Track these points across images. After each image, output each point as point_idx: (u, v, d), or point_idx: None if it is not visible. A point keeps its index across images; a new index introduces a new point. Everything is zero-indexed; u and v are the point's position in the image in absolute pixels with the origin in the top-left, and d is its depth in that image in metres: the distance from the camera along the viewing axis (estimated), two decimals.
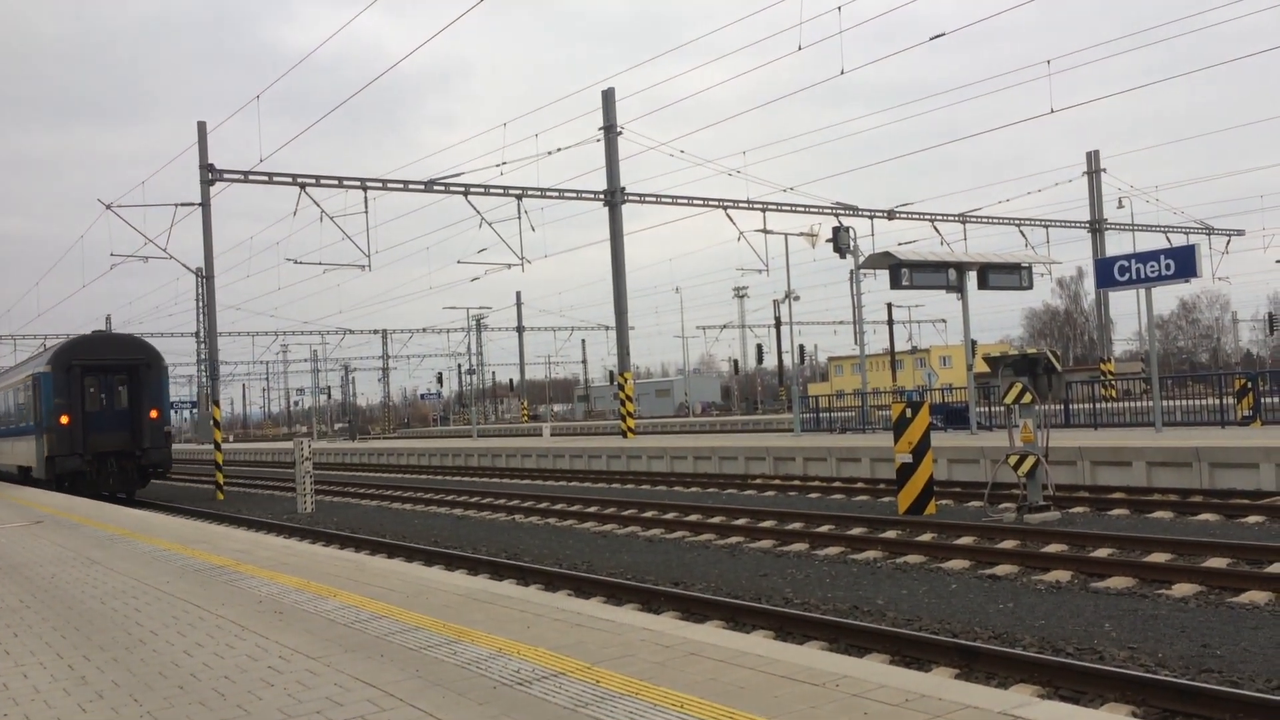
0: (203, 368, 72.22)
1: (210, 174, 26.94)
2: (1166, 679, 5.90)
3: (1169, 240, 43.38)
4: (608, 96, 33.39)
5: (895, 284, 21.88)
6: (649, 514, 16.14)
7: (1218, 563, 9.63)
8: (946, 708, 4.03)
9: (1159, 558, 10.01)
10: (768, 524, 14.03)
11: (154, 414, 25.63)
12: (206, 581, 8.36)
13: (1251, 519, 12.32)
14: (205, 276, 28.26)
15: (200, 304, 67.83)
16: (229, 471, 33.73)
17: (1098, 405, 25.34)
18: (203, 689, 4.92)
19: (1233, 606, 8.02)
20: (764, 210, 35.29)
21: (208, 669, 5.31)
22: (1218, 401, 22.61)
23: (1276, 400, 23.55)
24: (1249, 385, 22.38)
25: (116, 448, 25.21)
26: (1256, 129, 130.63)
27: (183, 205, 27.95)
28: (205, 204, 26.90)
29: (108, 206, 28.97)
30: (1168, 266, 19.65)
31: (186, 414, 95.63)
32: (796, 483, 19.84)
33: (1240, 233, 47.07)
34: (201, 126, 27.13)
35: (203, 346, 70.00)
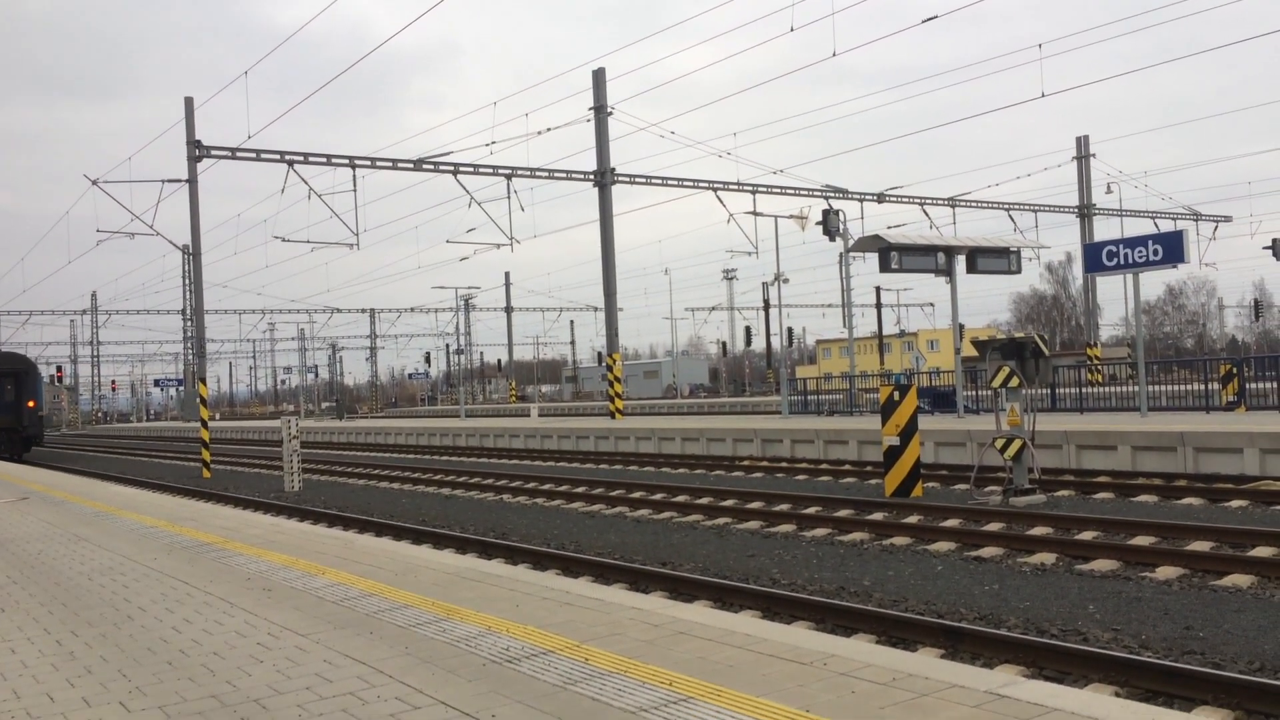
0: (189, 345, 71.94)
1: (198, 150, 26.74)
2: (1150, 660, 5.96)
3: (1157, 226, 43.54)
4: (598, 77, 33.24)
5: (884, 267, 21.88)
6: (637, 494, 16.17)
7: (1201, 546, 9.71)
8: (933, 687, 4.07)
9: (1143, 541, 10.08)
10: (755, 505, 14.08)
11: (31, 404, 36.73)
12: (194, 558, 8.35)
13: (1235, 503, 12.41)
14: (192, 254, 28.09)
15: (187, 281, 67.50)
16: (215, 450, 33.64)
17: (1084, 390, 25.47)
18: (191, 665, 4.92)
19: (1216, 589, 8.10)
20: (754, 192, 35.24)
21: (196, 645, 5.31)
22: (1203, 387, 22.74)
23: (1261, 386, 23.70)
24: (1234, 371, 22.52)
25: (6, 426, 36.45)
26: (1245, 115, 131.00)
27: (170, 181, 27.78)
28: (192, 180, 26.72)
29: (94, 182, 28.79)
30: (1155, 252, 19.72)
31: (172, 391, 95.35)
32: (784, 464, 19.90)
33: (1228, 219, 47.28)
34: (189, 102, 26.93)
35: (189, 324, 69.69)
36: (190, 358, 72.24)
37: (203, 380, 28.74)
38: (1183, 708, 5.46)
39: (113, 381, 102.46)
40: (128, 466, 33.04)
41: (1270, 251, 48.29)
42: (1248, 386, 22.81)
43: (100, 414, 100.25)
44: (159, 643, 5.41)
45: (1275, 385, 22.29)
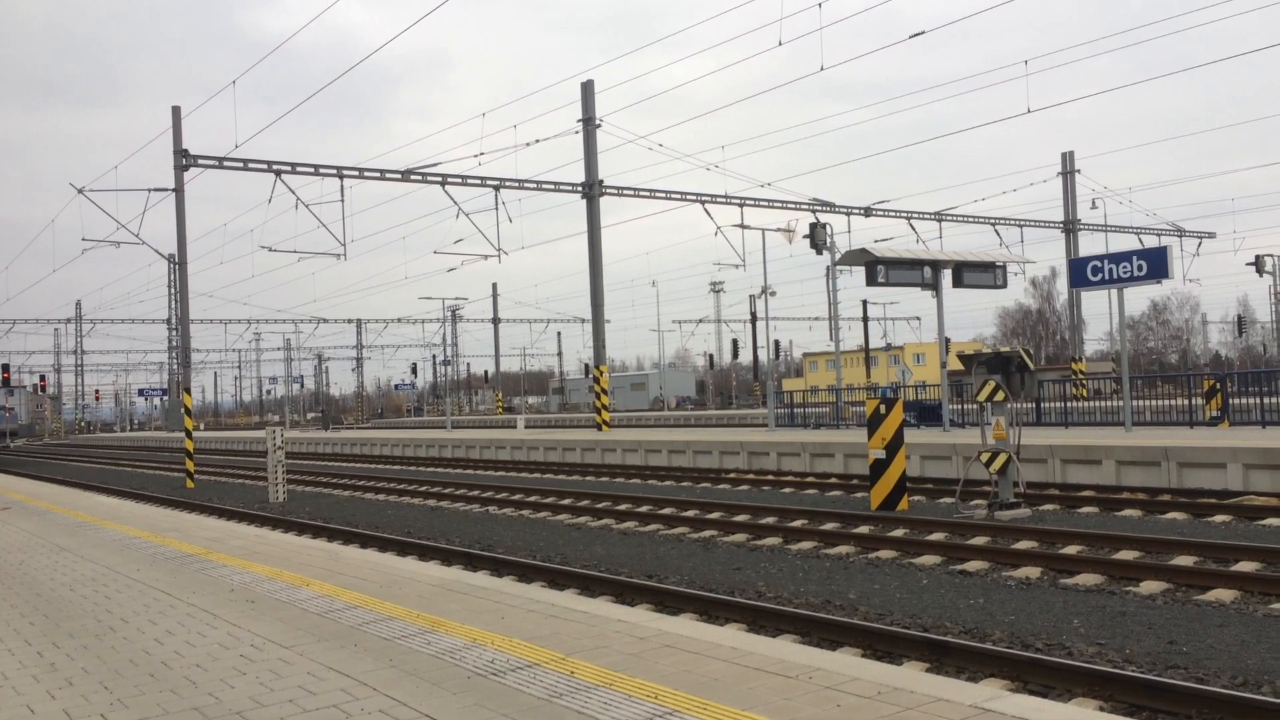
0: (174, 355, 71.61)
1: (184, 159, 26.68)
2: (1134, 675, 5.98)
3: (1141, 241, 43.83)
4: (587, 88, 33.33)
5: (871, 281, 21.97)
6: (623, 507, 16.15)
7: (1185, 561, 9.75)
8: (918, 700, 4.07)
9: (1127, 555, 10.12)
10: (741, 518, 14.08)
11: None
12: (177, 570, 8.31)
13: (1219, 518, 12.47)
14: (178, 263, 27.99)
15: (172, 291, 67.27)
16: (199, 460, 33.46)
17: (1069, 404, 25.57)
18: (174, 677, 4.89)
19: (1199, 604, 8.12)
20: (742, 205, 35.36)
21: (179, 657, 5.28)
22: (1187, 402, 22.86)
23: (1244, 401, 23.84)
24: (1218, 386, 22.64)
25: None
26: (1229, 132, 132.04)
27: (156, 190, 27.70)
28: (179, 189, 26.64)
29: (79, 190, 28.65)
30: (1140, 267, 19.83)
31: (157, 401, 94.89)
32: (770, 478, 19.91)
33: (1211, 235, 47.64)
34: (176, 111, 26.87)
35: (174, 334, 69.39)
36: (175, 367, 71.94)
37: (187, 390, 28.62)
38: None
39: (96, 391, 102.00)
40: (111, 477, 32.83)
41: (1253, 267, 48.62)
42: (1231, 402, 22.94)
43: (84, 424, 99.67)
44: (141, 655, 5.37)
45: (1259, 400, 22.43)
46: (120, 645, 5.61)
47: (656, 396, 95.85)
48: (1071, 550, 10.49)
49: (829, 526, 12.90)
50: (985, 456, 13.21)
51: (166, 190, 27.05)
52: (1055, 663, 6.27)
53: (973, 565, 10.07)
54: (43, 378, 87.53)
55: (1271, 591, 8.29)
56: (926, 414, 26.50)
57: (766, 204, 36.13)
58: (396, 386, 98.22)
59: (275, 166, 28.61)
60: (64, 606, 6.84)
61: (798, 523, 13.36)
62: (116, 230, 29.12)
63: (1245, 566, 9.34)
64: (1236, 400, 23.89)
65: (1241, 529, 11.74)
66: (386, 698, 4.39)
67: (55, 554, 9.52)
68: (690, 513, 14.99)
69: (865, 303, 69.10)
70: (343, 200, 29.13)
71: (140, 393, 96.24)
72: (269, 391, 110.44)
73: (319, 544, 10.15)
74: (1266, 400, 22.44)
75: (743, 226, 34.01)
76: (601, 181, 33.16)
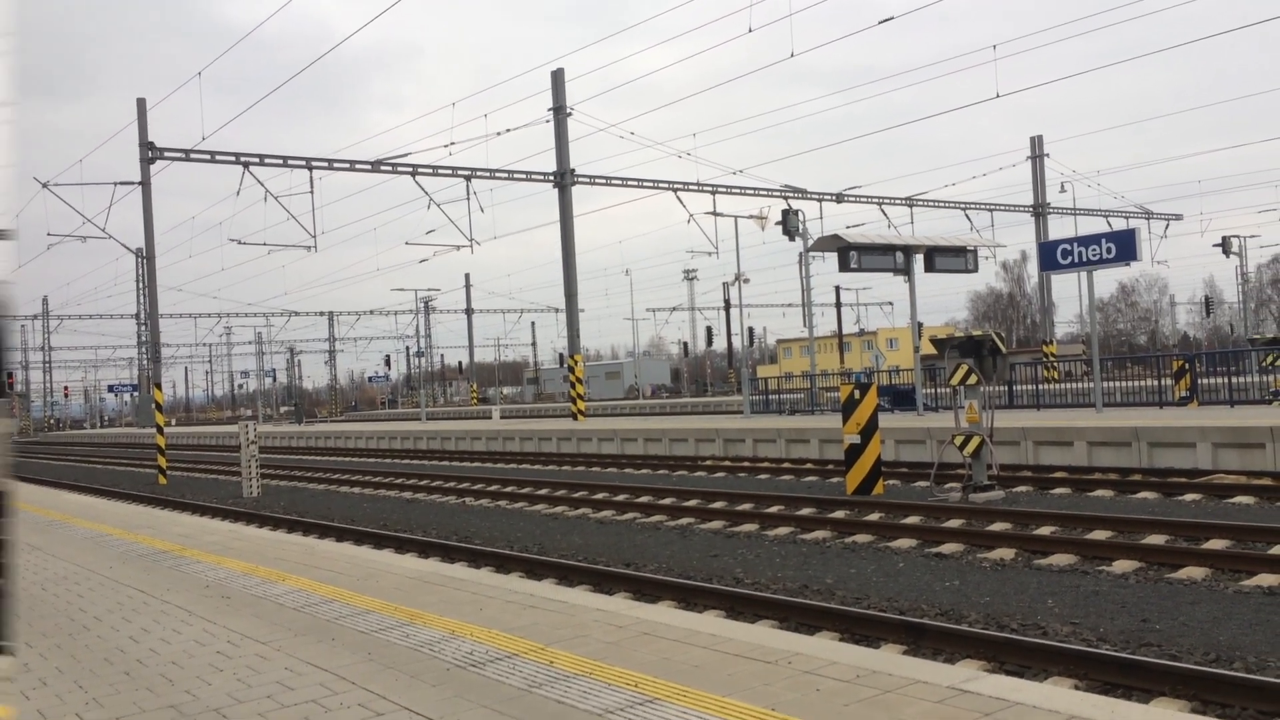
0: (143, 350, 70.93)
1: (150, 152, 26.37)
2: (1108, 653, 6.04)
3: (1109, 224, 44.17)
4: (557, 77, 33.18)
5: (844, 266, 22.04)
6: (600, 496, 16.15)
7: (1156, 540, 9.85)
8: (896, 683, 4.10)
9: (1100, 535, 10.22)
10: (718, 505, 14.11)
11: None
12: (151, 567, 8.23)
13: (1189, 497, 12.61)
14: (146, 257, 27.70)
15: (141, 285, 66.56)
16: (171, 456, 33.18)
17: (1040, 387, 25.78)
18: (150, 674, 4.85)
19: (1171, 582, 8.22)
20: (714, 193, 35.35)
21: (154, 654, 5.23)
22: (1156, 383, 23.12)
23: (1212, 381, 24.13)
24: (1186, 367, 22.90)
25: None
26: (1196, 115, 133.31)
27: (122, 184, 27.40)
28: (145, 183, 26.33)
29: (44, 185, 28.30)
30: (1109, 250, 20.01)
31: (127, 397, 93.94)
32: (746, 464, 19.96)
33: (1178, 217, 48.07)
34: (141, 103, 26.55)
35: (143, 328, 68.72)
36: (145, 363, 71.26)
37: (158, 385, 28.37)
38: (1141, 699, 5.54)
39: (65, 387, 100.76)
40: (82, 474, 32.51)
41: (1220, 249, 49.15)
42: (1199, 382, 23.22)
43: (53, 421, 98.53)
44: (115, 653, 5.32)
45: (1226, 380, 22.71)
46: (94, 644, 5.56)
47: (631, 385, 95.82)
48: (1045, 531, 10.59)
49: (805, 512, 12.95)
50: (959, 440, 13.30)
51: (133, 184, 26.75)
52: (1031, 643, 6.33)
53: (948, 548, 10.14)
54: (10, 375, 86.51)
55: (1241, 568, 8.40)
56: (900, 398, 26.64)
57: (739, 191, 36.14)
58: (370, 379, 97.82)
59: (243, 158, 28.33)
60: (36, 606, 6.77)
61: (774, 508, 13.41)
62: (83, 225, 28.91)
63: (1215, 544, 9.46)
64: (1205, 380, 24.19)
65: (1211, 507, 11.88)
66: (365, 691, 4.37)
67: (27, 553, 9.42)
68: (667, 500, 15.01)
69: (838, 288, 69.38)
70: (312, 192, 28.91)
71: (110, 389, 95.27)
72: (241, 386, 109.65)
73: (294, 538, 10.09)
74: (1234, 380, 22.73)
75: (715, 214, 34.05)
76: (573, 170, 33.05)
